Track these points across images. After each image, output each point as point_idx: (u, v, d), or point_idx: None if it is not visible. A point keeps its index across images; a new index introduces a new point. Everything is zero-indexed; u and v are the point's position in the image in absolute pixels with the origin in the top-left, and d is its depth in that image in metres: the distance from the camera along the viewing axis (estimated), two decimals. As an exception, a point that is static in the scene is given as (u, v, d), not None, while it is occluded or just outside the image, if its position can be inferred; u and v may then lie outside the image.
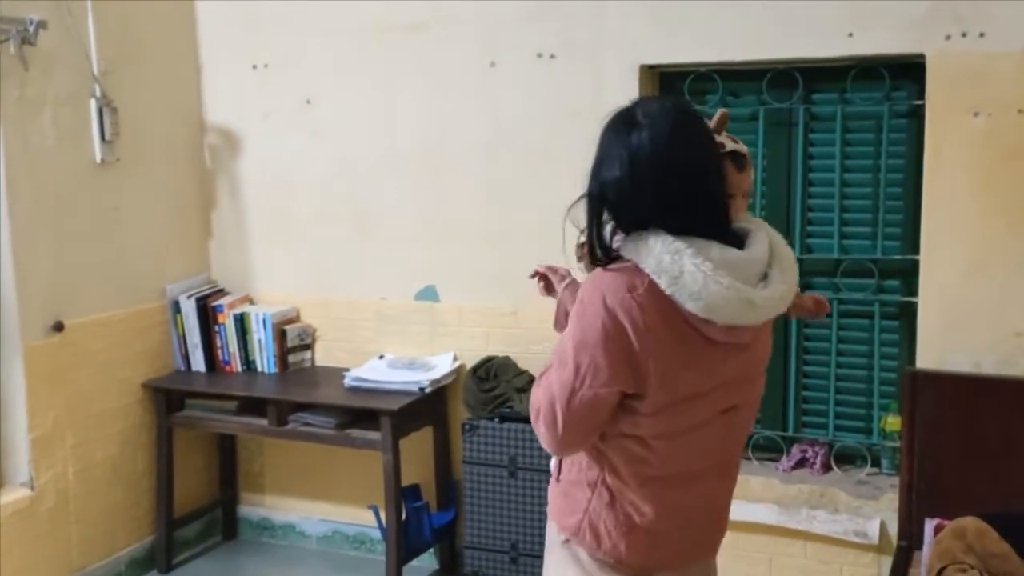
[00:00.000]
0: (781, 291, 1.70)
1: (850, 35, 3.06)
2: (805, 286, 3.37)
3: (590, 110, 3.40)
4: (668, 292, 1.59)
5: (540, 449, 3.36)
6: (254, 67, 3.91)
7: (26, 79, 3.26)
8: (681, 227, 1.63)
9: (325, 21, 3.78)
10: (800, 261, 3.29)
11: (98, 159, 3.55)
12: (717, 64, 3.30)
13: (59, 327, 3.40)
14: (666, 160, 1.63)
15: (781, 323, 3.41)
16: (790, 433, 3.42)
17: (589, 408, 1.66)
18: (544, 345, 3.55)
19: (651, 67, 3.40)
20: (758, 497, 3.29)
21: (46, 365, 3.37)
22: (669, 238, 1.61)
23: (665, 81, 3.48)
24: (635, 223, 1.66)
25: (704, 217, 1.65)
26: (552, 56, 3.46)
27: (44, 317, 3.37)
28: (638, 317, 1.60)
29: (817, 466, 3.32)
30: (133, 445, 3.76)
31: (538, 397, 1.74)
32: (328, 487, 4.02)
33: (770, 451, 3.46)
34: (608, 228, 1.70)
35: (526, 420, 3.41)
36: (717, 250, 1.63)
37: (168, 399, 3.79)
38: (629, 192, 1.64)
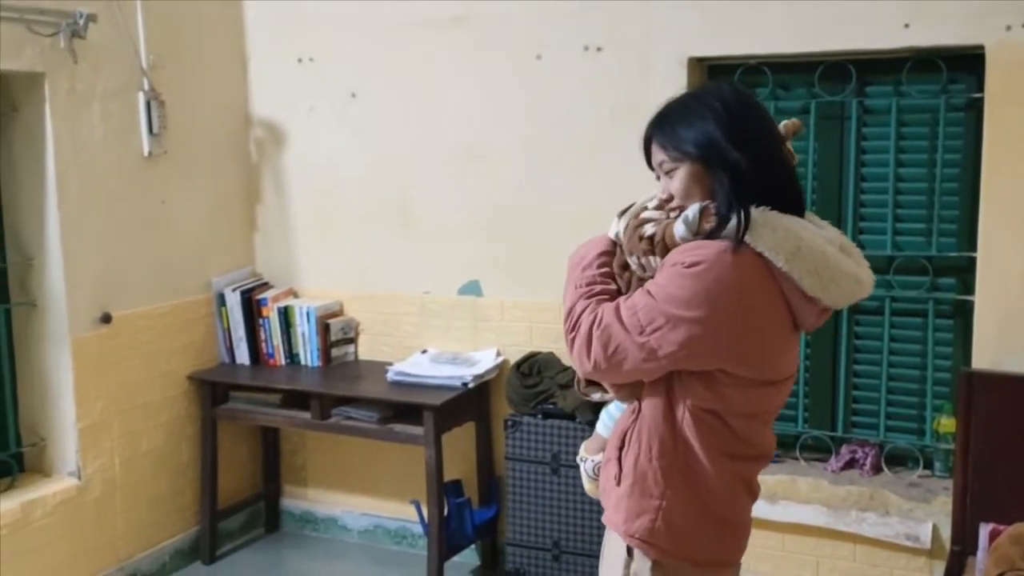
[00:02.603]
0: (870, 271, 1.72)
1: (906, 26, 2.98)
2: (856, 283, 3.29)
3: (637, 104, 3.37)
4: (785, 269, 1.59)
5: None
6: (299, 61, 3.92)
7: (75, 73, 3.29)
8: (778, 204, 1.64)
9: (370, 15, 3.77)
10: (852, 258, 3.27)
11: (146, 152, 3.57)
12: (767, 56, 3.24)
13: (107, 319, 3.43)
14: (774, 138, 1.70)
15: (831, 320, 3.33)
16: (839, 433, 3.35)
17: (635, 366, 1.65)
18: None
19: (699, 60, 3.34)
20: (806, 498, 3.22)
21: (94, 356, 3.41)
22: (775, 214, 1.62)
23: (713, 74, 3.42)
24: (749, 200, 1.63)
25: (796, 194, 1.71)
26: (599, 49, 3.42)
27: (92, 309, 3.40)
28: (755, 293, 1.60)
29: (867, 467, 3.24)
30: (178, 436, 3.79)
31: (594, 317, 1.69)
32: (370, 481, 4.02)
33: (818, 451, 3.40)
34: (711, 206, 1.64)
35: (569, 416, 3.40)
36: (813, 226, 1.66)
37: (213, 391, 3.81)
38: (760, 166, 1.63)
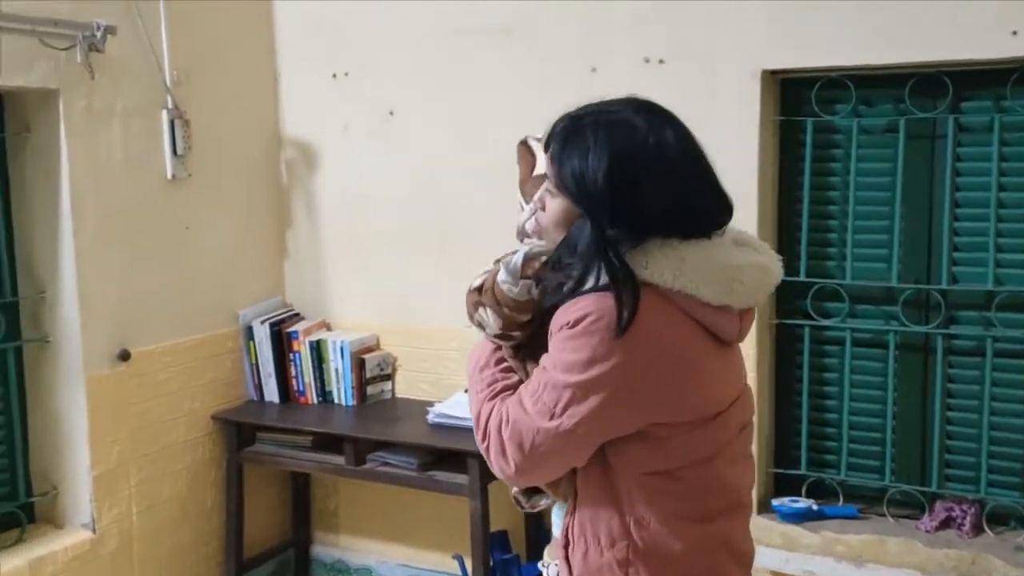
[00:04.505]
0: (773, 254, 1.57)
1: (1014, 33, 2.66)
2: (950, 320, 2.96)
3: (703, 121, 3.02)
4: (677, 287, 1.41)
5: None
6: (334, 76, 3.65)
7: (93, 89, 3.03)
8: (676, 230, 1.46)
9: (409, 26, 3.50)
10: (944, 293, 2.94)
11: (169, 175, 3.31)
12: (851, 68, 2.92)
13: (125, 356, 3.16)
14: (676, 164, 1.50)
15: (921, 361, 3.01)
16: (932, 488, 3.01)
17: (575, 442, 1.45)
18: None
19: (773, 72, 3.03)
20: (897, 561, 2.88)
21: (110, 396, 3.14)
22: (650, 237, 1.44)
23: (787, 88, 3.11)
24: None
25: (701, 214, 1.52)
26: (661, 61, 3.11)
27: (109, 345, 3.13)
28: (659, 327, 1.41)
29: (966, 527, 2.89)
30: (202, 481, 3.51)
31: (494, 416, 1.52)
32: (407, 529, 3.72)
33: (908, 507, 3.06)
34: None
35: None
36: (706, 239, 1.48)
37: (239, 432, 3.53)
38: (645, 208, 1.44)
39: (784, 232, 3.16)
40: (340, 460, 3.36)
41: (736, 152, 3.00)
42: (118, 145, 3.14)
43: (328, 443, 3.41)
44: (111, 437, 3.15)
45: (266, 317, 3.66)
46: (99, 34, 2.93)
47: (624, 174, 1.41)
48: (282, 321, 3.68)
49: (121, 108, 3.14)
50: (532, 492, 1.65)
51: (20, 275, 3.08)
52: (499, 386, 1.58)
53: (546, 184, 1.53)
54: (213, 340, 3.54)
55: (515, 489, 1.68)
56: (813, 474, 3.16)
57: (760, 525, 3.10)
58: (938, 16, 2.74)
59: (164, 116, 3.28)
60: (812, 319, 3.11)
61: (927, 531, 2.93)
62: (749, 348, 3.03)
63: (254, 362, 3.64)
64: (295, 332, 3.63)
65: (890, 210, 2.98)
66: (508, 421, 1.48)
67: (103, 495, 3.13)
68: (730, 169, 3.04)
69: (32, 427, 3.14)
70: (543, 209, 1.54)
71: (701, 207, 1.48)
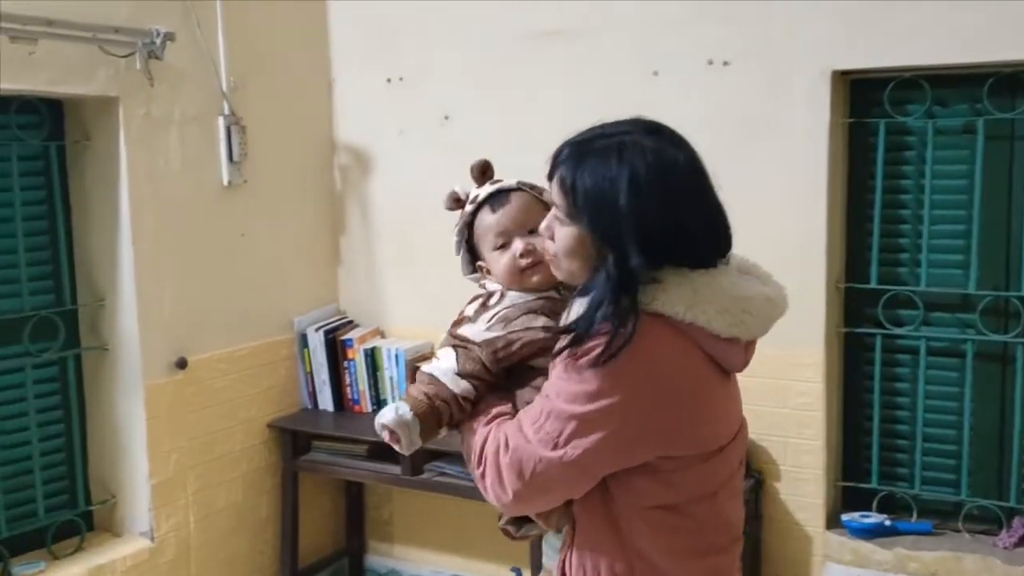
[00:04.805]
0: (778, 284, 1.49)
1: (1101, 30, 2.55)
2: (1031, 329, 2.85)
3: (769, 124, 2.99)
4: (689, 319, 1.35)
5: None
6: (388, 81, 3.61)
7: (151, 96, 3.02)
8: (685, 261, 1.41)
9: (465, 30, 3.45)
10: (1031, 303, 2.83)
11: (225, 182, 3.29)
12: (926, 68, 2.82)
13: (182, 364, 3.14)
14: (690, 198, 1.43)
15: (999, 371, 2.90)
16: (1010, 503, 2.89)
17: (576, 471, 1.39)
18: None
19: (843, 73, 2.94)
20: (976, 580, 2.78)
21: (168, 405, 3.12)
22: (664, 265, 1.38)
23: (857, 90, 3.01)
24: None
25: (709, 247, 1.46)
26: (725, 63, 3.03)
27: (166, 353, 3.11)
28: (668, 357, 1.36)
29: (1048, 545, 2.78)
30: (257, 490, 3.48)
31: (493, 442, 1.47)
32: (463, 539, 3.66)
33: (985, 522, 2.95)
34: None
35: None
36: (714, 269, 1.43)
37: (294, 441, 3.50)
38: (662, 242, 1.38)
39: (854, 238, 3.06)
40: (396, 470, 3.31)
41: (804, 156, 2.92)
42: (175, 152, 3.12)
43: (384, 452, 3.36)
44: (169, 446, 3.13)
45: (320, 325, 3.62)
46: (158, 41, 2.91)
47: (646, 199, 1.35)
48: (336, 329, 3.64)
49: (179, 115, 3.12)
50: (522, 522, 1.61)
51: (79, 283, 3.07)
52: (494, 411, 1.52)
53: (554, 212, 1.45)
54: (268, 348, 3.51)
55: (503, 520, 1.63)
56: (884, 488, 3.06)
57: (829, 540, 3.01)
58: (1018, 14, 2.63)
59: (220, 123, 3.26)
60: (884, 327, 3.00)
61: (1005, 548, 2.82)
62: (816, 356, 2.95)
63: (308, 370, 3.61)
64: (349, 340, 3.60)
65: (967, 214, 2.88)
66: (507, 447, 1.43)
67: (161, 504, 3.11)
68: (797, 174, 3.01)
69: (91, 435, 3.13)
70: (551, 239, 1.47)
71: (713, 233, 1.43)
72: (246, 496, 3.43)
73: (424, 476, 3.27)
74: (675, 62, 3.10)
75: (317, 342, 3.58)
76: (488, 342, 1.54)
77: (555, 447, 1.37)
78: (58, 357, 3.00)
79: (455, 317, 1.64)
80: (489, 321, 1.56)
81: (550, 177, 1.46)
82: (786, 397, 3.02)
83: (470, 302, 1.63)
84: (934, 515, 3.02)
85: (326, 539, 3.77)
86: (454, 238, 1.69)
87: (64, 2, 2.73)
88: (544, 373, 1.49)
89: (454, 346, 1.58)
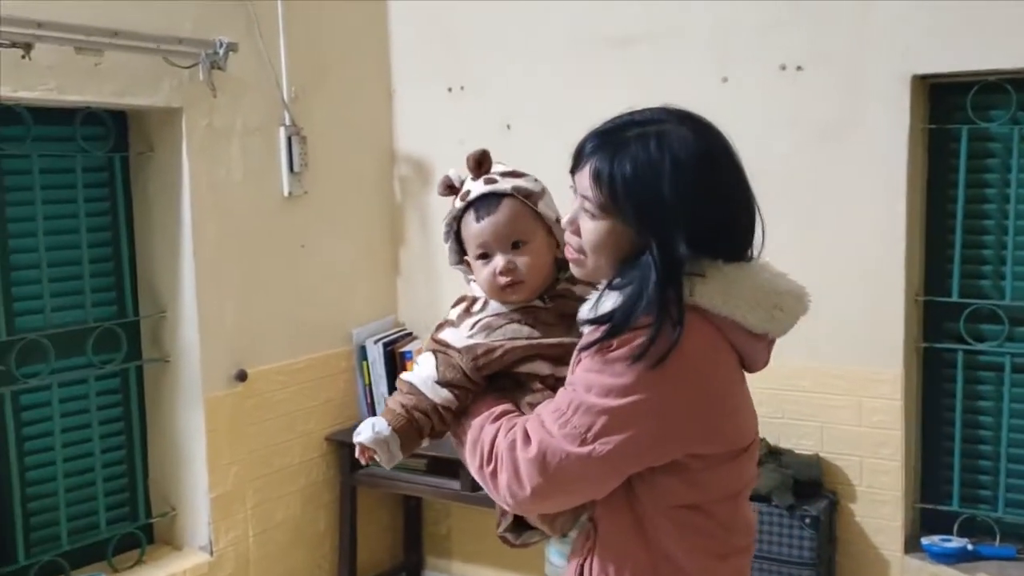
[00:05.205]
0: (799, 282, 1.42)
1: None
2: None
3: (844, 131, 2.88)
4: (724, 313, 1.31)
5: (785, 534, 2.82)
6: (449, 90, 3.56)
7: (214, 107, 3.00)
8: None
9: (528, 37, 3.39)
10: None
11: (286, 192, 3.27)
12: (1012, 72, 2.70)
13: (242, 376, 3.12)
14: (730, 195, 1.40)
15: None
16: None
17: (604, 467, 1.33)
18: (772, 408, 3.02)
19: (923, 77, 2.82)
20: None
21: (227, 417, 3.10)
22: (702, 257, 1.33)
23: (937, 94, 2.89)
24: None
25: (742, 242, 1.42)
26: (799, 68, 2.94)
27: (226, 365, 3.09)
28: (704, 350, 1.31)
29: None
30: (315, 504, 3.44)
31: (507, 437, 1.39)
32: (521, 556, 3.55)
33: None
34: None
35: (764, 499, 2.88)
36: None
37: (353, 454, 3.45)
38: (702, 240, 1.33)
39: (933, 249, 2.94)
40: (455, 485, 3.25)
41: (882, 164, 2.82)
42: (237, 163, 3.11)
43: (442, 467, 3.31)
44: (228, 459, 3.10)
45: (379, 337, 3.58)
46: (221, 51, 2.89)
47: (692, 186, 1.30)
48: (395, 341, 3.59)
49: (240, 125, 3.11)
50: (523, 528, 1.54)
51: (141, 294, 3.07)
52: (498, 409, 1.46)
53: (581, 204, 1.38)
54: (327, 360, 3.48)
55: (502, 527, 1.56)
56: (966, 510, 2.92)
57: (908, 565, 2.89)
58: (1114, 13, 2.51)
59: (281, 133, 3.24)
60: (965, 342, 2.88)
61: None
62: (894, 372, 2.84)
63: (367, 383, 3.57)
64: (408, 352, 3.55)
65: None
66: (528, 441, 1.35)
67: (220, 517, 3.08)
68: (875, 183, 2.90)
69: (151, 447, 3.12)
70: (575, 233, 1.40)
71: (748, 223, 1.38)
72: (304, 510, 3.39)
73: (483, 492, 3.20)
74: (746, 68, 3.01)
75: (376, 354, 3.53)
76: (469, 349, 1.48)
77: (583, 442, 1.30)
78: (120, 369, 2.99)
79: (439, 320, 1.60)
80: (472, 328, 1.51)
81: (574, 171, 1.39)
82: (862, 415, 2.91)
83: (454, 305, 1.58)
84: (1018, 539, 2.89)
85: (384, 554, 3.72)
86: (443, 227, 1.61)
87: (129, 13, 2.72)
88: (533, 379, 1.47)
89: (434, 351, 1.53)
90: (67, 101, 2.67)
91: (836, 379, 2.93)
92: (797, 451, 3.00)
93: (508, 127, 3.47)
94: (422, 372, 1.52)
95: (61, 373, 2.83)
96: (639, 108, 1.40)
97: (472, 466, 1.47)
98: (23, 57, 2.48)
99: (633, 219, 1.32)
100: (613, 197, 1.32)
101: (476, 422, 1.46)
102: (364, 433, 1.51)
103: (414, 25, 3.61)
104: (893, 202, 2.82)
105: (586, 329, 1.35)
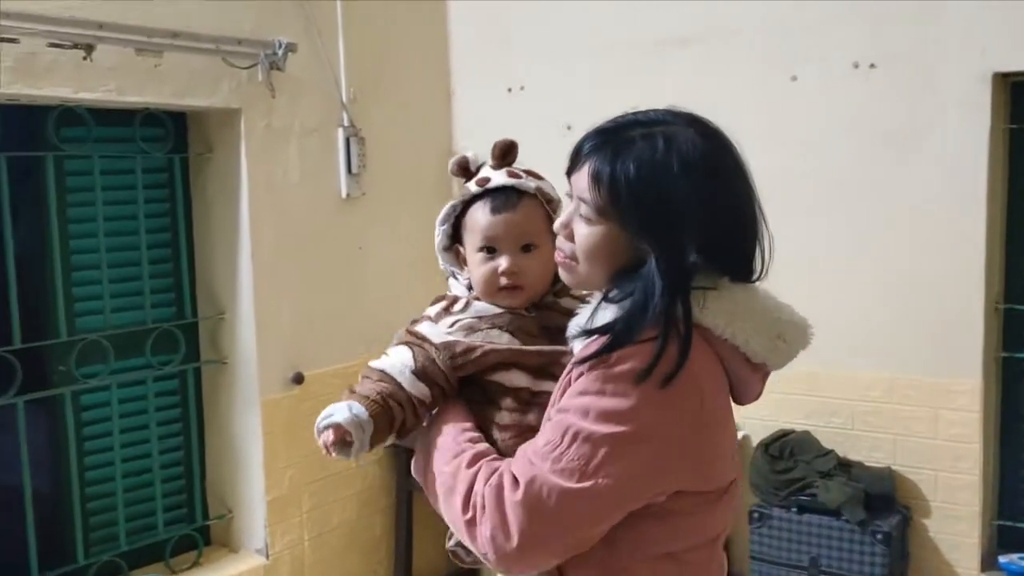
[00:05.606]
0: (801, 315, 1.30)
1: None
2: None
3: (917, 131, 2.77)
4: (727, 337, 1.20)
5: (856, 550, 2.71)
6: (509, 91, 3.52)
7: (272, 108, 2.99)
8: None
9: (588, 37, 3.33)
10: None
11: (343, 194, 3.24)
12: (1102, 68, 2.56)
13: (299, 379, 3.10)
14: (737, 205, 1.29)
15: None
16: None
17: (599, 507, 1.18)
18: (842, 418, 2.92)
19: (1004, 75, 2.70)
20: None
21: (284, 420, 3.08)
22: (707, 272, 1.21)
23: (1017, 93, 2.76)
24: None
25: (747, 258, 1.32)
26: (872, 66, 2.83)
27: (283, 368, 3.08)
28: (702, 373, 1.19)
29: None
30: (371, 508, 3.41)
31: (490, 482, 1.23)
32: (579, 565, 3.52)
33: None
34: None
35: (833, 512, 2.78)
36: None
37: (408, 458, 3.41)
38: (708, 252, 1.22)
39: (1014, 252, 2.81)
40: (513, 492, 3.20)
41: (960, 165, 2.70)
42: (295, 164, 3.09)
43: (500, 473, 3.26)
44: (284, 462, 3.09)
45: (436, 340, 3.54)
46: (280, 52, 2.88)
47: (703, 191, 1.19)
48: (452, 344, 3.55)
49: (298, 126, 3.09)
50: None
51: (200, 296, 3.06)
52: (473, 450, 1.30)
53: (577, 207, 1.26)
54: (383, 363, 3.45)
55: (452, 540, 1.44)
56: (1048, 529, 2.79)
57: (986, 585, 2.76)
58: None
59: (340, 134, 3.21)
60: (1048, 353, 2.75)
61: None
62: (972, 384, 2.72)
63: (424, 386, 3.53)
64: (465, 356, 3.50)
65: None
66: (515, 484, 1.19)
67: (276, 520, 3.07)
68: (952, 185, 2.78)
69: (209, 449, 3.12)
70: (569, 238, 1.28)
71: (755, 241, 1.27)
72: (360, 514, 3.37)
73: (542, 500, 3.14)
74: (816, 66, 2.91)
75: (432, 358, 3.49)
76: (447, 345, 1.38)
77: (582, 476, 1.15)
78: (178, 370, 2.99)
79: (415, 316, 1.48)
80: (451, 327, 1.40)
81: (571, 172, 1.28)
82: (938, 427, 2.79)
83: (433, 303, 1.47)
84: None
85: (440, 559, 3.67)
86: (445, 208, 1.51)
87: (189, 14, 2.72)
88: (506, 394, 1.35)
89: (409, 344, 1.41)
90: (127, 102, 2.67)
91: (910, 390, 2.81)
92: (868, 464, 2.89)
93: (568, 128, 3.39)
94: (395, 361, 1.40)
95: (120, 374, 2.84)
96: (642, 108, 1.29)
97: (447, 515, 1.31)
98: (84, 59, 2.49)
99: (635, 224, 1.20)
100: (613, 199, 1.21)
101: (448, 469, 1.30)
102: (340, 414, 1.36)
103: (473, 25, 3.57)
104: (972, 205, 2.69)
105: (579, 343, 1.22)
